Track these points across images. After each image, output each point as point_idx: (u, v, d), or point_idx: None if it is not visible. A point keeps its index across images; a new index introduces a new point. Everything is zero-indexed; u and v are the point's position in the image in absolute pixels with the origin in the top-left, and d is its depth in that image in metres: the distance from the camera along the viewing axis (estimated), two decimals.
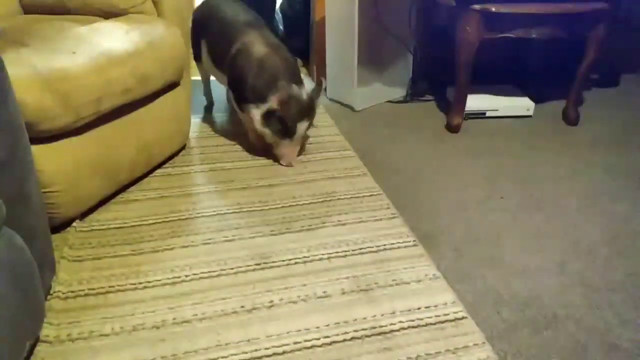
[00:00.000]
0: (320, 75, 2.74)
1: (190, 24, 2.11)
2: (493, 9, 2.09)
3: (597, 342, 1.19)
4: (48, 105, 1.33)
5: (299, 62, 3.09)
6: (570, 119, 2.38)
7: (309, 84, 1.95)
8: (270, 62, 1.84)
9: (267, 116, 1.82)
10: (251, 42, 1.88)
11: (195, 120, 2.30)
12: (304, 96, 1.82)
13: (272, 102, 1.79)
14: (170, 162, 1.93)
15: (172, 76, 1.77)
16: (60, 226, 1.51)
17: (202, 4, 2.21)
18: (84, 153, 1.49)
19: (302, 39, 3.02)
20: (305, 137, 1.99)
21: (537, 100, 2.46)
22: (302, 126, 1.84)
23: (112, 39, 1.58)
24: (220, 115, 2.43)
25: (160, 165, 1.88)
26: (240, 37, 1.90)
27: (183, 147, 2.01)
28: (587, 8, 2.14)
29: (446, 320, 1.24)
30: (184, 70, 1.89)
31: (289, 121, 1.80)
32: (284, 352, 1.13)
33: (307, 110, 1.84)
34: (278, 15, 3.25)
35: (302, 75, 1.96)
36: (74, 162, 1.46)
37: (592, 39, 2.22)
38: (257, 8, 2.94)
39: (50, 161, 1.39)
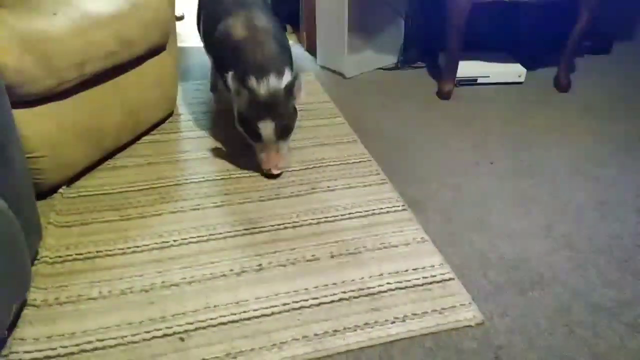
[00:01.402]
0: (310, 41, 2.69)
1: None
2: None
3: (581, 302, 1.21)
4: (28, 68, 1.30)
5: (288, 28, 3.04)
6: (562, 85, 2.37)
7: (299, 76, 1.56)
8: (244, 50, 1.57)
9: (239, 113, 1.59)
10: (233, 25, 1.62)
11: (183, 87, 2.26)
12: (264, 91, 1.51)
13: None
14: (157, 128, 1.91)
15: (156, 40, 1.73)
16: (46, 192, 1.50)
17: None
18: (68, 118, 1.46)
19: (292, 4, 2.95)
20: (284, 144, 1.62)
21: (528, 66, 2.43)
22: (266, 127, 1.53)
23: (94, 0, 1.54)
24: (207, 82, 2.39)
25: (147, 132, 1.85)
26: (225, 18, 1.66)
27: (170, 114, 1.98)
28: None
29: (433, 282, 1.25)
30: (170, 35, 1.85)
31: (247, 120, 1.55)
32: (272, 314, 1.14)
33: (269, 109, 1.51)
34: None
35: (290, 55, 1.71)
36: (58, 126, 1.44)
37: (585, 4, 2.18)
38: None
39: (34, 126, 1.37)
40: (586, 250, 1.38)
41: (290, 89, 1.53)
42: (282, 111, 1.53)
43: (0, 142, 1.06)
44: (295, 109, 1.59)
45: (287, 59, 1.62)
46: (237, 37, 1.59)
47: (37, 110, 1.39)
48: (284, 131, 1.57)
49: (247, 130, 1.58)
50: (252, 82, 1.50)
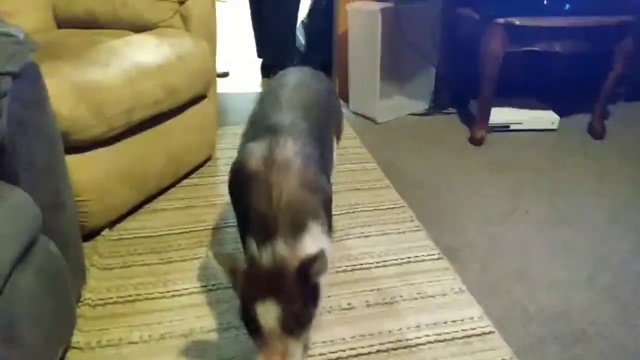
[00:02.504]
0: (342, 87, 2.76)
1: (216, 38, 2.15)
2: (517, 22, 2.09)
3: (627, 358, 1.17)
4: (82, 116, 1.37)
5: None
6: (596, 132, 2.36)
7: (322, 241, 1.03)
8: (249, 194, 1.07)
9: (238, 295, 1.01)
10: (249, 155, 1.13)
11: (221, 132, 2.33)
12: (266, 261, 0.97)
13: None
14: (196, 172, 1.96)
15: (199, 89, 1.81)
16: (90, 234, 1.55)
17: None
18: (115, 163, 1.53)
19: (324, 52, 3.05)
20: (294, 344, 0.95)
21: (561, 114, 2.43)
22: (266, 313, 0.93)
23: (142, 52, 1.63)
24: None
25: (186, 176, 1.91)
26: (248, 143, 1.19)
27: (209, 158, 2.04)
28: (613, 21, 2.13)
29: (473, 335, 1.23)
30: (211, 83, 1.93)
31: (241, 299, 0.97)
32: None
33: (274, 286, 0.94)
34: (300, 29, 3.29)
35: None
36: (105, 171, 1.50)
37: (619, 52, 2.20)
38: (278, 21, 3.02)
39: (83, 171, 1.43)
40: (631, 304, 1.34)
41: (307, 266, 0.94)
42: (292, 292, 0.94)
43: (55, 187, 1.11)
44: (317, 288, 0.98)
45: (315, 211, 1.05)
46: (247, 172, 1.09)
47: (86, 156, 1.45)
48: (294, 322, 0.95)
49: (245, 321, 0.97)
50: (252, 246, 1.00)
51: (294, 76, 1.41)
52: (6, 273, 0.84)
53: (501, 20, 2.10)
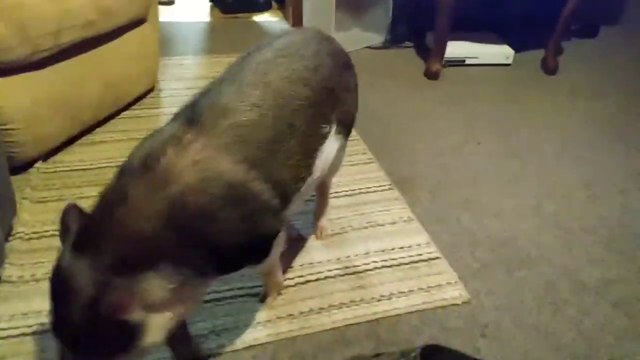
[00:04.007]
0: (296, 18, 2.63)
1: None
2: None
3: (568, 281, 1.21)
4: (2, 35, 1.24)
5: (273, 4, 2.97)
6: (549, 68, 2.36)
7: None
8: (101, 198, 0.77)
9: None
10: (131, 154, 0.81)
11: (165, 62, 2.19)
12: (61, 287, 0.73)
13: None
14: (137, 103, 1.84)
15: (137, 11, 1.67)
16: (21, 167, 1.44)
17: None
18: (44, 89, 1.40)
19: None
20: None
21: (516, 49, 2.41)
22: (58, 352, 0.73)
23: None
24: (190, 57, 2.33)
25: (127, 107, 1.79)
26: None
27: (151, 89, 1.92)
28: None
29: (420, 260, 1.23)
30: (150, 6, 1.78)
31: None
32: (256, 294, 1.12)
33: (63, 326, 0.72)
34: None
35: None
36: (33, 98, 1.37)
37: None
38: None
39: (7, 96, 1.31)
40: (573, 230, 1.38)
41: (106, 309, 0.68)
42: (87, 340, 0.70)
43: None
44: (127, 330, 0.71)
45: (167, 255, 0.72)
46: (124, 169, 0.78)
47: (11, 81, 1.32)
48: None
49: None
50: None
51: (284, 40, 1.01)
52: None
53: None
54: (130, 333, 0.71)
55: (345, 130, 1.08)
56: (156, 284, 0.71)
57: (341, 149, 1.11)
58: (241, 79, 0.89)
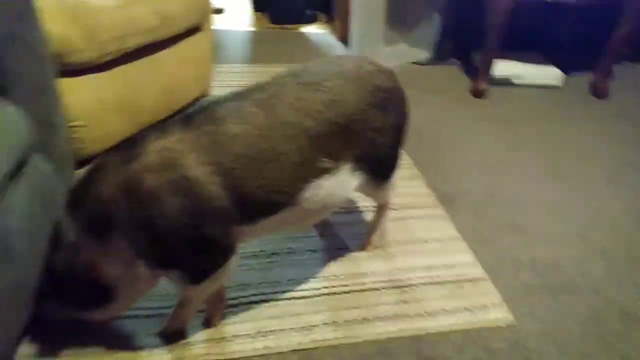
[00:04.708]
0: (344, 31, 2.67)
1: None
2: None
3: (614, 312, 1.19)
4: (73, 38, 1.31)
5: (320, 17, 3.02)
6: (599, 91, 2.32)
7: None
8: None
9: None
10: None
11: (217, 69, 2.26)
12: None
13: None
14: (190, 107, 1.91)
15: (195, 19, 1.73)
16: (82, 162, 1.51)
17: None
18: (108, 90, 1.47)
19: None
20: None
21: (565, 71, 2.39)
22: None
23: None
24: (241, 66, 2.39)
25: (180, 111, 1.85)
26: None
27: (204, 95, 1.98)
28: None
29: (465, 279, 1.24)
30: (206, 15, 1.85)
31: None
32: (302, 297, 1.14)
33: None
34: None
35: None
36: (98, 98, 1.44)
37: (628, 10, 2.13)
38: None
39: (75, 95, 1.37)
40: (621, 260, 1.36)
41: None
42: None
43: (47, 106, 1.07)
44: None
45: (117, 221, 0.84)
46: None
47: (79, 81, 1.39)
48: None
49: None
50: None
51: (317, 68, 1.03)
52: (1, 186, 0.81)
53: None
54: (94, 292, 0.87)
55: (372, 168, 1.06)
56: (112, 250, 0.84)
57: (370, 187, 1.11)
58: (251, 95, 0.94)
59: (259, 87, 0.96)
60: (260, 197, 0.90)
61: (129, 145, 0.86)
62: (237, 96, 0.94)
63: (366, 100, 1.01)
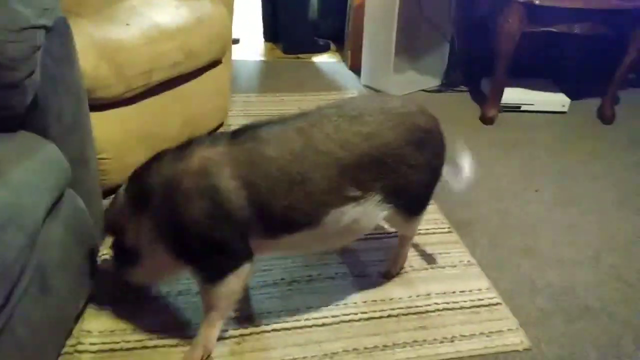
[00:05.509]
0: (355, 59, 2.74)
1: (233, 3, 2.12)
2: (536, 2, 2.07)
3: (630, 335, 1.21)
4: (103, 74, 1.38)
5: (332, 45, 3.10)
6: (606, 117, 2.36)
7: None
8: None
9: None
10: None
11: (232, 99, 2.33)
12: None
13: None
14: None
15: (217, 53, 1.80)
16: (105, 193, 1.56)
17: None
18: (133, 123, 1.53)
19: (336, 21, 3.03)
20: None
21: (572, 96, 2.44)
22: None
23: (162, 12, 1.61)
24: (257, 95, 2.46)
25: None
26: None
27: (221, 124, 2.04)
28: (633, 5, 2.11)
29: (481, 305, 1.26)
30: (227, 48, 1.92)
31: None
32: (323, 325, 1.17)
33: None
34: None
35: None
36: (124, 131, 1.51)
37: (635, 37, 2.19)
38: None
39: (103, 129, 1.43)
40: (635, 283, 1.38)
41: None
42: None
43: (81, 143, 1.13)
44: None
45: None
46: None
47: (106, 115, 1.45)
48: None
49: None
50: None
51: (361, 103, 1.11)
52: (40, 223, 0.86)
53: None
54: (125, 251, 1.05)
55: (402, 203, 1.11)
56: (142, 224, 1.00)
57: (399, 220, 1.17)
58: (294, 122, 1.02)
59: (302, 115, 1.05)
60: (282, 216, 0.98)
61: (186, 144, 1.01)
62: (282, 121, 1.03)
63: (404, 137, 1.05)
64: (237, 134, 1.01)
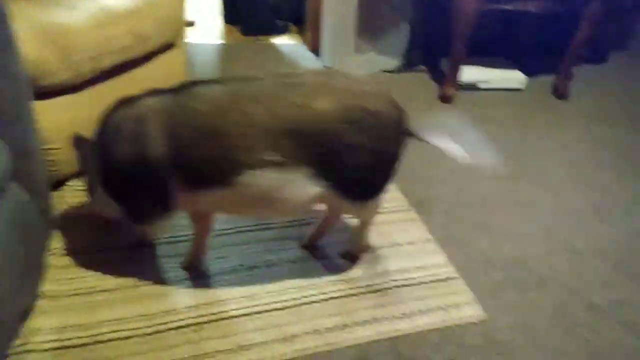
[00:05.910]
0: (315, 41, 2.72)
1: None
2: None
3: (578, 302, 1.26)
4: (49, 60, 1.32)
5: (292, 27, 3.07)
6: (561, 93, 2.42)
7: None
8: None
9: None
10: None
11: None
12: None
13: None
14: None
15: (169, 36, 1.76)
16: (56, 184, 1.52)
17: None
18: (82, 111, 1.48)
19: (296, 2, 2.99)
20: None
21: (528, 74, 2.49)
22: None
23: None
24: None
25: None
26: None
27: None
28: None
29: (438, 280, 1.29)
30: (180, 31, 1.87)
31: None
32: (283, 308, 1.18)
33: None
34: None
35: None
36: (72, 119, 1.45)
37: (587, 15, 2.24)
38: None
39: (49, 118, 1.38)
40: (584, 253, 1.44)
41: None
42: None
43: (24, 133, 1.08)
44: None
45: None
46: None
47: (52, 102, 1.40)
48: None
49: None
50: None
51: (309, 76, 1.09)
52: None
53: None
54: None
55: (343, 186, 1.08)
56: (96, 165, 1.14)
57: (347, 205, 1.16)
58: (232, 84, 1.07)
59: (244, 77, 1.09)
60: (198, 167, 1.04)
61: (145, 93, 1.10)
62: (222, 81, 1.09)
63: (341, 114, 1.02)
64: (179, 88, 1.08)
